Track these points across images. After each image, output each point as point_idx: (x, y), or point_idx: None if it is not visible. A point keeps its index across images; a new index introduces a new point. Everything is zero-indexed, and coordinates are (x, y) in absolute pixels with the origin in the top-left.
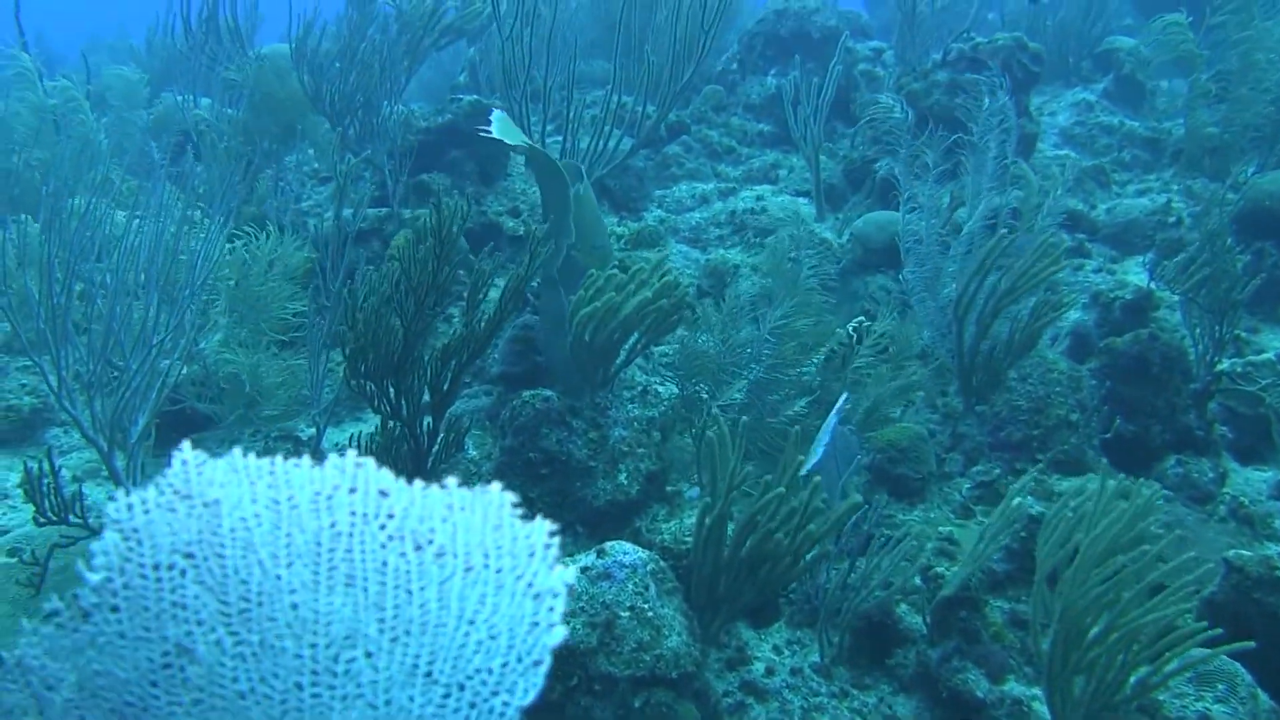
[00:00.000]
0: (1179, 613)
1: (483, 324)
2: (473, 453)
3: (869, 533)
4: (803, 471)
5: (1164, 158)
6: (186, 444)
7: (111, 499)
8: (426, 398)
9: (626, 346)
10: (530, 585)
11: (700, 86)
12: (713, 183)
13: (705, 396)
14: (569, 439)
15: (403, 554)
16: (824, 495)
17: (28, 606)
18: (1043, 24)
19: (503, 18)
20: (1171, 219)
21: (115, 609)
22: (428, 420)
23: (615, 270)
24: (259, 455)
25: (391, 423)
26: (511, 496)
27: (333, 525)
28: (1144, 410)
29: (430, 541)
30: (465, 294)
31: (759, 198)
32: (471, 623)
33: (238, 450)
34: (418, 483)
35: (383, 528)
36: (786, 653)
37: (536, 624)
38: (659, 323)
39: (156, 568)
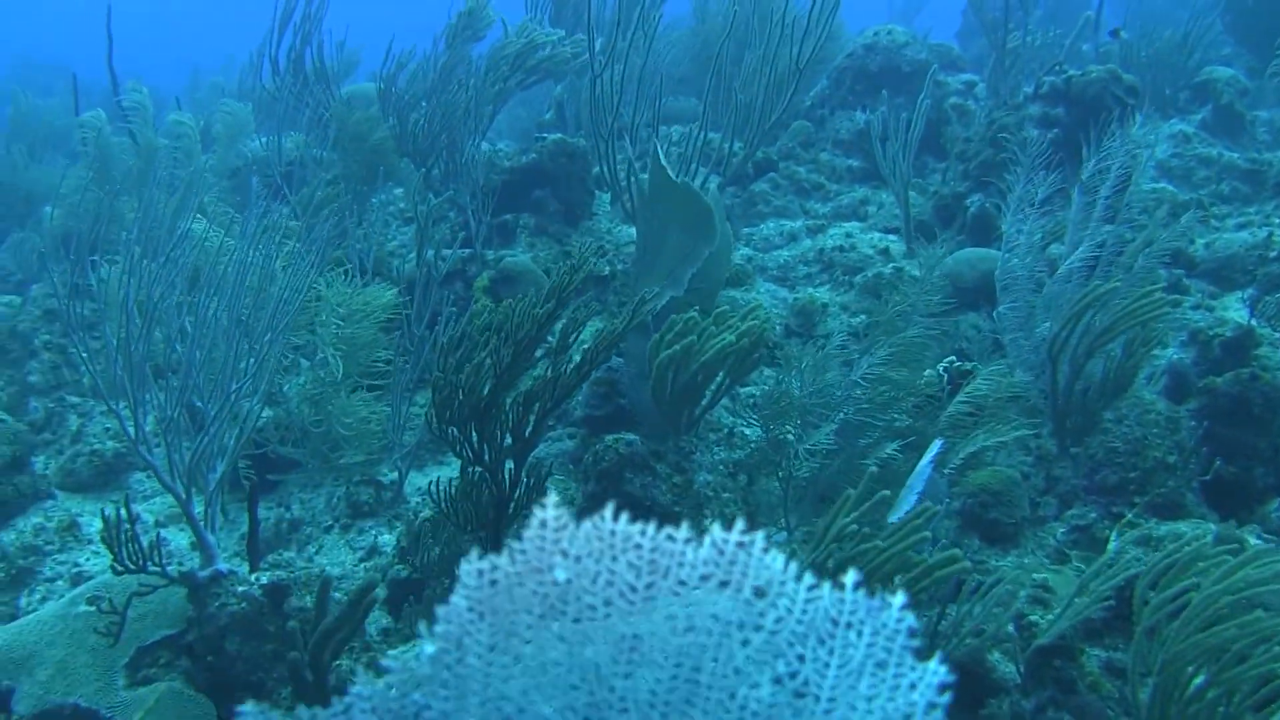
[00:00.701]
0: None
1: (569, 369)
2: (555, 498)
3: (959, 579)
4: (893, 518)
5: (1265, 190)
6: (550, 502)
7: (464, 560)
8: (509, 442)
9: (711, 389)
10: None
11: (788, 122)
12: (801, 220)
13: (791, 439)
14: (653, 484)
15: (755, 685)
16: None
17: (105, 656)
18: (1137, 55)
19: (595, 55)
20: (1273, 253)
21: (445, 686)
22: (509, 465)
23: (694, 313)
24: (344, 498)
25: (472, 468)
26: (910, 620)
27: (690, 631)
28: (1245, 452)
29: (794, 675)
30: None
31: (848, 235)
32: None
33: (607, 513)
34: (805, 579)
35: (745, 643)
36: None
37: None
38: (739, 365)
39: (492, 649)
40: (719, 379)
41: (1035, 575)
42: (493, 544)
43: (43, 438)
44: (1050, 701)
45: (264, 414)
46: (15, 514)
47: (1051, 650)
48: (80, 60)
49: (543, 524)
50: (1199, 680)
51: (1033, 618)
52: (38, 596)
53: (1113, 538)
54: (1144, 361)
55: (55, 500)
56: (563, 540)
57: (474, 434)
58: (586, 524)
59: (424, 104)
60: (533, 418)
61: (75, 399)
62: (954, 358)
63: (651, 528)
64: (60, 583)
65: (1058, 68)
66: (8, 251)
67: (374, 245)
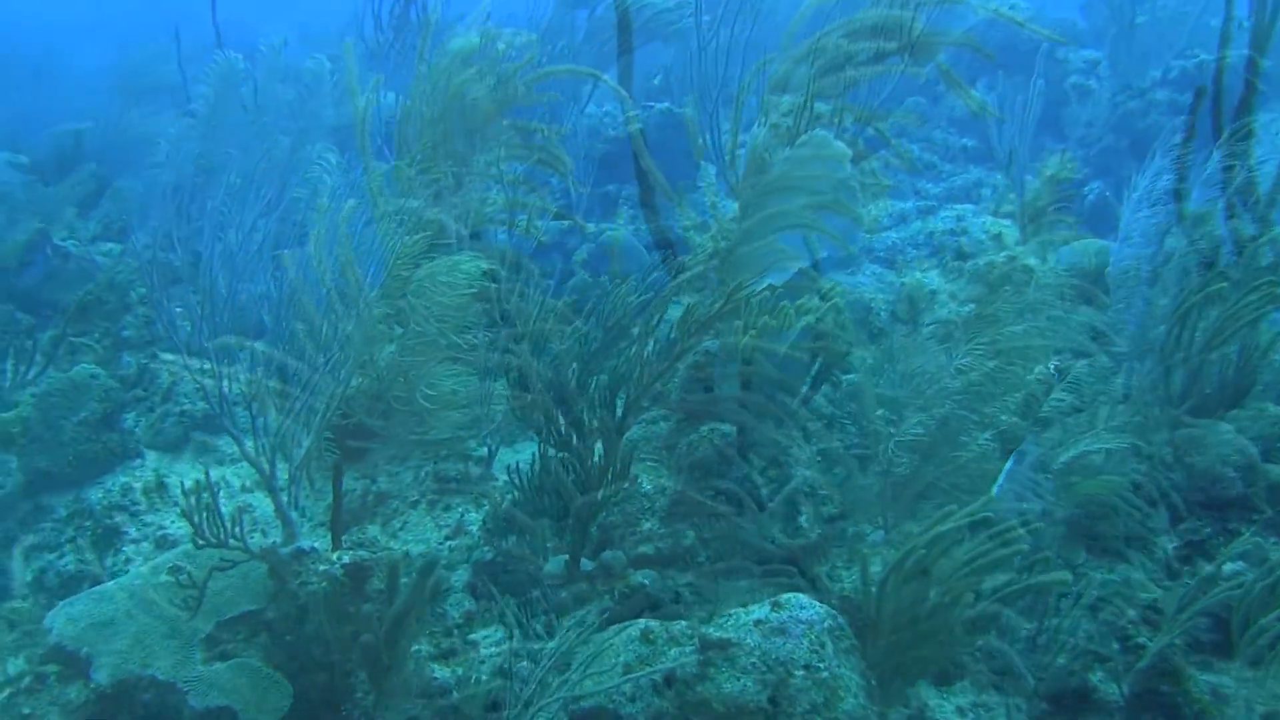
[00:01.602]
0: None
1: (661, 353)
2: (647, 486)
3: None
4: (973, 515)
5: None
6: None
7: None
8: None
9: (812, 375)
10: None
11: (903, 98)
12: (911, 200)
13: (891, 431)
14: (746, 478)
15: None
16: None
17: (184, 629)
18: (1272, 37)
19: (701, 23)
20: None
21: None
22: (599, 448)
23: (783, 300)
24: (431, 473)
25: (553, 451)
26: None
27: None
28: None
29: None
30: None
31: (959, 218)
32: None
33: None
34: None
35: None
36: (970, 716)
37: None
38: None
39: None
40: (817, 365)
41: (1143, 595)
42: (577, 533)
43: (134, 394)
44: None
45: (352, 383)
46: (104, 472)
47: (1157, 673)
48: (185, 13)
49: None
50: None
51: (1140, 640)
52: (123, 558)
53: (1226, 556)
54: (1262, 367)
55: (143, 459)
56: None
57: (561, 417)
58: None
59: (527, 64)
60: (621, 401)
61: (168, 356)
62: (1066, 355)
63: None
64: (145, 544)
65: (1189, 52)
66: (111, 199)
67: (472, 210)
